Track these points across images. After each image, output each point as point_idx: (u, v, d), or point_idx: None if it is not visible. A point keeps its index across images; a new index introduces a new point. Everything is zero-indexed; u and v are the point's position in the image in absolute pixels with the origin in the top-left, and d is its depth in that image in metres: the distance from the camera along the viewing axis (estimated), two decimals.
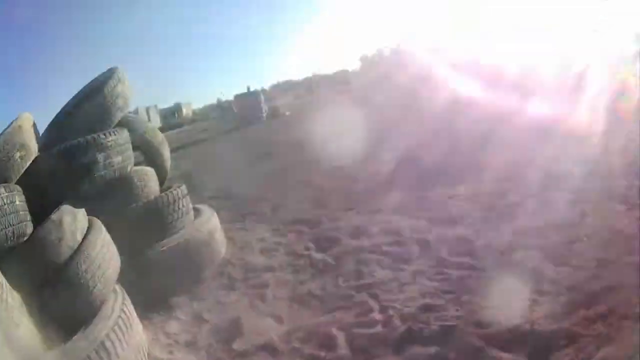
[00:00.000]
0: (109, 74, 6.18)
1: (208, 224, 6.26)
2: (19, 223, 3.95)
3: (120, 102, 5.96)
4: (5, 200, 3.88)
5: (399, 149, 10.47)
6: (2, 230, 3.76)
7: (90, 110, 5.76)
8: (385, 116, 16.72)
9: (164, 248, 5.58)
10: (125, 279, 4.89)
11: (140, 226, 5.64)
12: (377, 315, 4.06)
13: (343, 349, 3.77)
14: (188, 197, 6.50)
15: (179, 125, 56.18)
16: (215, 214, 6.78)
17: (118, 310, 4.06)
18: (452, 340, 3.51)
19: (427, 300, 4.07)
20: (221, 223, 6.99)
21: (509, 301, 3.81)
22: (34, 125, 5.25)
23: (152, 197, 6.11)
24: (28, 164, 4.82)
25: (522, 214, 5.61)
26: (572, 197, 5.83)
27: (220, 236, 6.47)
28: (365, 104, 21.25)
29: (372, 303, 4.27)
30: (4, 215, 3.80)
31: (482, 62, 15.77)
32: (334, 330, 4.00)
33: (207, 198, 10.15)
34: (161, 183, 6.98)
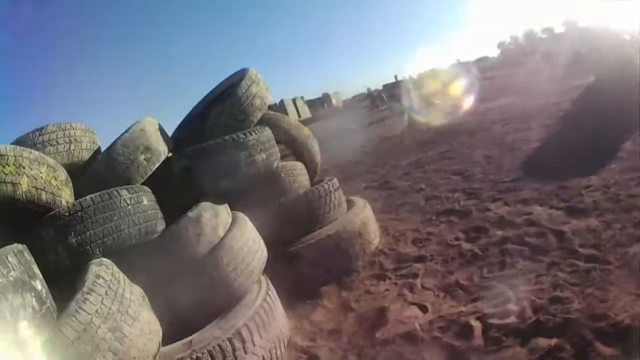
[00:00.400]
0: (241, 74, 6.38)
1: (361, 216, 6.32)
2: (147, 222, 4.20)
3: (257, 101, 6.13)
4: (129, 202, 4.12)
5: (539, 137, 10.32)
6: (126, 229, 3.99)
7: (224, 111, 5.97)
8: (527, 103, 16.28)
9: (314, 240, 5.71)
10: (274, 270, 5.10)
11: (290, 219, 5.84)
12: (512, 306, 4.04)
13: (478, 339, 3.77)
14: (340, 190, 6.63)
15: (329, 115, 56.49)
16: (368, 205, 6.85)
17: (260, 300, 4.24)
18: (569, 333, 3.48)
19: (557, 293, 4.03)
20: (376, 213, 7.10)
21: (621, 295, 3.71)
22: (160, 128, 5.53)
23: (302, 191, 6.28)
24: (156, 165, 5.10)
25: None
26: None
27: (373, 227, 6.51)
28: (509, 90, 20.88)
29: (510, 294, 4.24)
30: (128, 216, 4.04)
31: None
32: (472, 321, 4.00)
33: (362, 189, 10.34)
34: (312, 176, 7.14)
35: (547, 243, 5.06)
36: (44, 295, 3.10)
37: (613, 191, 5.86)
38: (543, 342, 3.49)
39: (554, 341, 3.45)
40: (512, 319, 3.89)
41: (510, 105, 16.98)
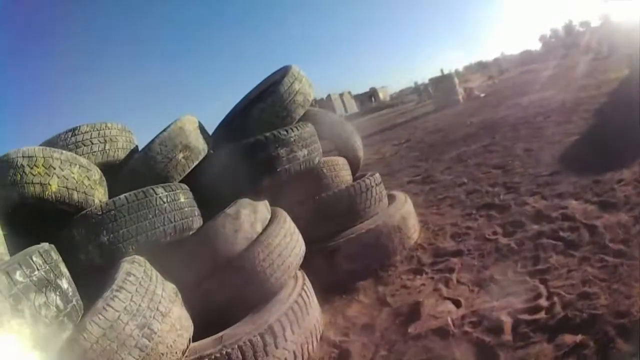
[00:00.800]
0: (284, 72, 6.41)
1: (401, 210, 6.29)
2: (183, 219, 4.24)
3: (299, 98, 6.16)
4: (165, 199, 4.16)
5: (578, 130, 10.27)
6: (160, 227, 4.03)
7: (266, 108, 6.00)
8: (564, 96, 16.31)
9: (353, 235, 5.72)
10: (312, 265, 5.13)
11: (330, 214, 5.86)
12: (543, 302, 4.01)
13: (507, 335, 3.75)
14: (382, 185, 6.60)
15: (377, 109, 56.42)
16: (409, 200, 6.84)
17: (295, 296, 4.26)
18: (594, 329, 3.45)
19: (586, 288, 3.99)
20: (417, 208, 7.10)
21: None
22: (200, 126, 5.56)
23: (344, 186, 6.28)
24: (194, 163, 5.14)
25: None
26: None
27: (413, 221, 6.48)
28: (549, 84, 20.67)
29: (542, 289, 4.22)
30: (163, 213, 4.08)
31: None
32: (503, 316, 3.98)
33: (405, 183, 10.36)
34: (355, 171, 7.15)
35: (580, 238, 5.01)
36: (70, 293, 3.13)
37: None
38: (569, 338, 3.46)
39: (579, 338, 3.42)
40: (541, 315, 3.87)
41: (551, 98, 16.89)
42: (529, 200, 6.58)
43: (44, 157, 3.77)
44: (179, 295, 3.87)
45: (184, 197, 4.44)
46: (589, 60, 30.65)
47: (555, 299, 3.99)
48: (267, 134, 5.31)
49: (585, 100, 13.85)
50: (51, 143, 4.87)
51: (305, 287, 4.51)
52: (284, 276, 4.46)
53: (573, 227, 5.29)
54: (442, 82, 33.02)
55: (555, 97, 16.86)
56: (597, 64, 26.21)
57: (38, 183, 3.69)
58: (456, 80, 33.41)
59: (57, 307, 2.92)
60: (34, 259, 2.92)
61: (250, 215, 4.63)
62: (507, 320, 3.94)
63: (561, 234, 5.24)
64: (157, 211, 4.08)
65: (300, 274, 4.83)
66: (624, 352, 3.15)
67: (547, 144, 9.78)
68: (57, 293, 2.99)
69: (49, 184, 3.74)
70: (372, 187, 6.27)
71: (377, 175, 6.63)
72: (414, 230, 6.42)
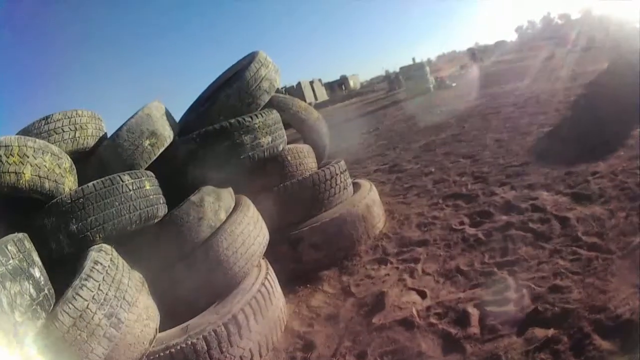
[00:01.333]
0: (250, 58, 6.35)
1: (366, 199, 6.28)
2: (148, 207, 4.19)
3: (265, 84, 6.09)
4: (131, 187, 4.13)
5: (551, 122, 10.34)
6: (126, 215, 4.00)
7: (232, 94, 5.92)
8: (538, 87, 16.48)
9: (317, 223, 5.68)
10: (276, 253, 5.10)
11: (295, 202, 5.83)
12: (511, 294, 4.00)
13: (474, 327, 3.73)
14: (347, 173, 6.59)
15: (347, 98, 56.68)
16: (374, 188, 6.82)
17: (259, 285, 4.25)
18: (567, 324, 3.43)
19: (557, 281, 3.98)
20: (383, 196, 7.16)
21: (622, 287, 3.65)
22: (167, 112, 5.52)
23: (308, 173, 6.22)
24: (160, 150, 5.09)
25: None
26: None
27: (378, 210, 6.48)
28: (523, 75, 20.87)
29: (510, 281, 4.21)
30: (128, 201, 4.04)
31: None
32: (470, 308, 3.97)
33: (372, 171, 10.39)
34: (320, 159, 7.12)
35: (550, 229, 5.01)
36: (42, 282, 3.14)
37: (620, 178, 5.79)
38: (540, 332, 3.43)
39: (551, 332, 3.40)
40: (510, 307, 3.86)
41: (525, 89, 17.08)
42: (498, 191, 6.62)
43: (18, 146, 3.73)
44: (146, 285, 3.88)
45: (149, 184, 4.41)
46: (567, 52, 30.95)
47: (525, 291, 3.99)
48: (232, 121, 5.29)
49: (561, 92, 14.00)
50: (26, 131, 4.84)
51: (268, 276, 4.50)
52: (248, 265, 4.45)
53: (543, 219, 5.30)
54: (413, 71, 33.12)
55: (529, 88, 17.08)
56: (575, 57, 26.45)
57: (13, 172, 3.66)
58: (427, 69, 33.59)
59: (30, 295, 2.95)
60: (9, 247, 2.95)
61: (214, 203, 4.62)
62: (474, 312, 3.93)
63: (531, 225, 5.24)
64: (123, 199, 4.06)
65: (264, 262, 4.83)
66: (603, 350, 3.12)
67: (519, 134, 9.87)
68: (30, 282, 3.02)
69: (22, 172, 3.71)
70: (337, 175, 6.25)
71: (342, 162, 6.60)
72: (379, 219, 6.40)
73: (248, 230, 4.58)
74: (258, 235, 4.72)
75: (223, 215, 4.64)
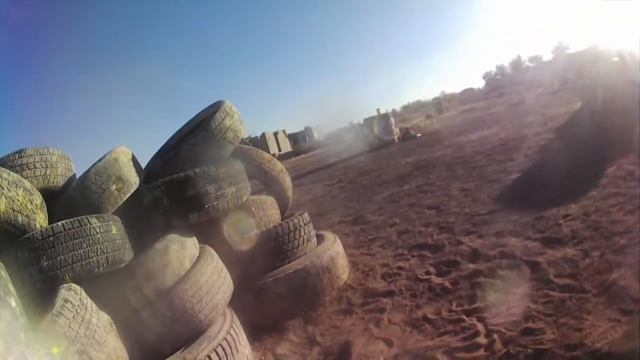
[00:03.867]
0: (216, 107, 6.56)
1: (330, 251, 6.46)
2: (114, 251, 4.37)
3: (230, 135, 6.30)
4: (98, 230, 4.30)
5: (519, 168, 10.61)
6: (94, 257, 4.17)
7: (197, 143, 6.12)
8: (506, 134, 16.91)
9: (281, 275, 5.83)
10: (241, 303, 5.24)
11: (258, 253, 5.96)
12: (481, 339, 4.13)
13: None
14: (310, 225, 6.74)
15: (311, 149, 57.07)
16: (338, 240, 6.97)
17: (224, 332, 4.38)
18: None
19: (529, 324, 4.10)
20: (347, 248, 7.29)
21: (599, 323, 3.80)
22: (134, 158, 5.70)
23: (272, 225, 6.38)
24: (127, 196, 5.26)
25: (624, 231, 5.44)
26: None
27: (342, 262, 6.65)
28: (491, 122, 21.20)
29: (480, 327, 4.34)
30: (96, 244, 4.22)
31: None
32: (439, 355, 4.12)
33: (336, 223, 10.48)
34: (283, 210, 7.29)
35: (520, 275, 5.17)
36: (17, 312, 3.25)
37: (593, 219, 5.99)
38: None
39: None
40: (480, 352, 3.99)
41: (492, 137, 17.45)
42: (464, 240, 6.78)
43: None
44: (114, 326, 4.00)
45: (115, 228, 4.58)
46: (537, 95, 31.48)
47: (495, 336, 4.13)
48: (197, 170, 5.48)
49: (530, 137, 14.37)
50: (1, 163, 4.96)
51: (234, 325, 4.63)
52: (213, 313, 4.60)
53: (512, 265, 5.47)
54: (377, 122, 33.35)
55: (497, 135, 17.51)
56: (547, 99, 26.93)
57: None
58: (392, 120, 33.81)
59: (7, 323, 3.04)
60: None
61: (179, 251, 4.79)
62: (442, 359, 4.09)
63: (499, 272, 5.40)
64: (90, 241, 4.22)
65: (229, 311, 4.97)
66: None
67: (485, 183, 10.10)
68: (7, 310, 3.11)
69: None
70: (300, 226, 6.43)
71: (306, 214, 6.79)
72: (343, 271, 6.57)
73: (213, 280, 4.73)
74: (222, 284, 4.87)
75: (188, 264, 4.79)
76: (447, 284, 5.57)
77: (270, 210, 6.70)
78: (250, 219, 6.34)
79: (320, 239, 7.07)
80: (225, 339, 4.30)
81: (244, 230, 6.15)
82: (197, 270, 4.69)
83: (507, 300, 4.72)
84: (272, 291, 5.71)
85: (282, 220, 6.83)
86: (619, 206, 6.13)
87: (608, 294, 4.21)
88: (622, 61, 12.78)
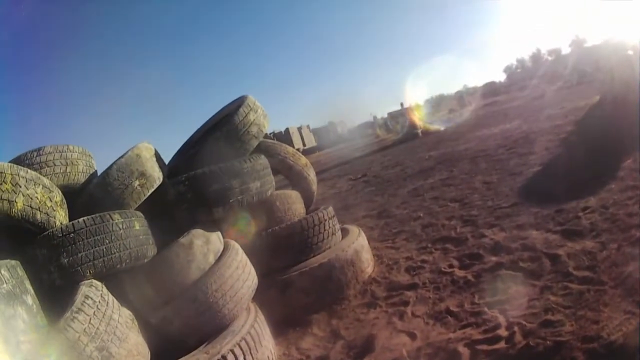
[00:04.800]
0: (239, 102, 6.59)
1: (355, 244, 6.42)
2: (137, 247, 4.38)
3: (254, 129, 6.34)
4: (121, 226, 4.31)
5: (541, 161, 10.56)
6: (117, 253, 4.18)
7: (221, 138, 6.17)
8: (528, 127, 16.83)
9: (306, 268, 5.84)
10: (266, 297, 5.25)
11: (283, 247, 5.98)
12: (502, 332, 4.11)
13: None
14: (335, 218, 6.73)
15: (335, 143, 57.07)
16: (362, 234, 6.95)
17: (248, 327, 4.39)
18: (560, 356, 3.54)
19: (549, 316, 4.08)
20: (371, 241, 7.27)
21: (615, 315, 3.78)
22: (157, 154, 5.69)
23: (296, 219, 6.40)
24: (150, 191, 5.25)
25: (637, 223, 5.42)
26: None
27: (366, 255, 6.61)
28: (513, 115, 21.06)
29: (501, 319, 4.31)
30: (118, 240, 4.22)
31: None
32: (460, 347, 4.09)
33: (360, 217, 10.46)
34: (308, 204, 7.28)
35: (541, 267, 5.13)
36: (34, 310, 3.30)
37: (611, 211, 5.94)
38: None
39: None
40: (501, 345, 3.96)
41: (514, 130, 17.36)
42: (487, 233, 6.74)
43: (11, 174, 3.90)
44: (136, 322, 4.02)
45: (139, 224, 4.59)
46: (557, 88, 31.25)
47: (516, 328, 4.10)
48: (221, 165, 5.48)
49: (550, 130, 14.29)
50: (17, 161, 4.96)
51: (258, 319, 4.64)
52: (237, 308, 4.61)
53: (534, 257, 5.41)
54: (401, 116, 33.20)
55: (518, 129, 17.35)
56: (566, 93, 26.73)
57: (6, 200, 3.81)
58: (415, 114, 33.65)
59: (23, 321, 3.09)
60: (2, 272, 3.11)
61: (204, 246, 4.80)
62: (464, 352, 4.05)
63: (521, 264, 5.36)
64: (113, 237, 4.22)
65: (253, 306, 4.99)
66: None
67: (508, 176, 10.02)
68: (24, 308, 3.16)
69: (15, 201, 3.87)
70: (325, 220, 6.40)
71: (330, 208, 6.78)
72: (367, 264, 6.53)
73: (237, 274, 4.74)
74: (247, 279, 4.88)
75: (212, 259, 4.81)
76: (469, 276, 5.53)
77: (295, 204, 6.70)
78: (276, 213, 6.34)
79: (344, 232, 7.03)
80: (249, 333, 4.32)
81: (269, 225, 6.17)
82: (221, 265, 4.70)
83: (528, 292, 4.69)
84: (296, 285, 5.72)
85: (307, 214, 6.82)
86: (635, 199, 6.08)
87: (624, 286, 4.17)
88: (636, 55, 12.66)
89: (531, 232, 6.17)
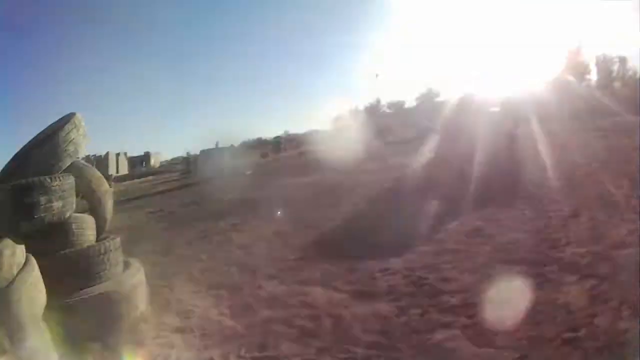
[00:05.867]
0: (67, 118, 6.68)
1: (133, 280, 6.60)
2: None
3: (71, 148, 6.47)
4: None
5: (343, 216, 10.80)
6: None
7: (43, 152, 6.25)
8: (341, 178, 17.11)
9: (86, 296, 5.92)
10: (48, 319, 5.27)
11: (69, 271, 6.03)
12: None
13: None
14: (119, 250, 6.95)
15: (145, 174, 56.52)
16: (142, 270, 7.12)
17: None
18: None
19: None
20: (151, 278, 7.36)
21: None
22: None
23: (86, 245, 6.46)
24: None
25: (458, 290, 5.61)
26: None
27: (142, 291, 6.78)
28: (330, 165, 21.33)
29: None
30: None
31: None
32: None
33: (147, 252, 10.28)
34: (100, 232, 7.31)
35: (320, 327, 5.31)
36: None
37: (418, 275, 6.13)
38: None
39: None
40: None
41: (326, 181, 17.56)
42: (264, 284, 6.94)
43: None
44: None
45: None
46: (384, 143, 31.97)
47: None
48: (34, 179, 5.63)
49: (368, 184, 14.58)
50: None
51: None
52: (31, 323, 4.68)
53: (313, 316, 5.57)
54: (212, 156, 33.26)
55: (332, 180, 17.54)
56: (397, 148, 27.24)
57: None
58: (228, 155, 33.85)
59: None
60: None
61: (11, 257, 4.84)
62: None
63: (297, 321, 5.49)
64: None
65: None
66: None
67: (304, 227, 10.26)
68: None
69: None
70: (110, 251, 6.53)
71: (117, 240, 7.01)
72: (141, 301, 6.71)
73: (31, 290, 4.79)
74: (37, 296, 4.94)
75: (15, 271, 4.84)
76: (239, 327, 5.69)
77: (87, 230, 6.70)
78: (70, 236, 6.34)
79: (126, 265, 7.18)
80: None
81: (63, 247, 6.18)
82: (21, 278, 4.79)
83: (302, 351, 4.84)
84: (76, 311, 5.68)
85: (96, 241, 6.85)
86: (454, 263, 6.31)
87: (427, 356, 4.32)
88: (502, 112, 13.09)
89: (314, 289, 6.36)
